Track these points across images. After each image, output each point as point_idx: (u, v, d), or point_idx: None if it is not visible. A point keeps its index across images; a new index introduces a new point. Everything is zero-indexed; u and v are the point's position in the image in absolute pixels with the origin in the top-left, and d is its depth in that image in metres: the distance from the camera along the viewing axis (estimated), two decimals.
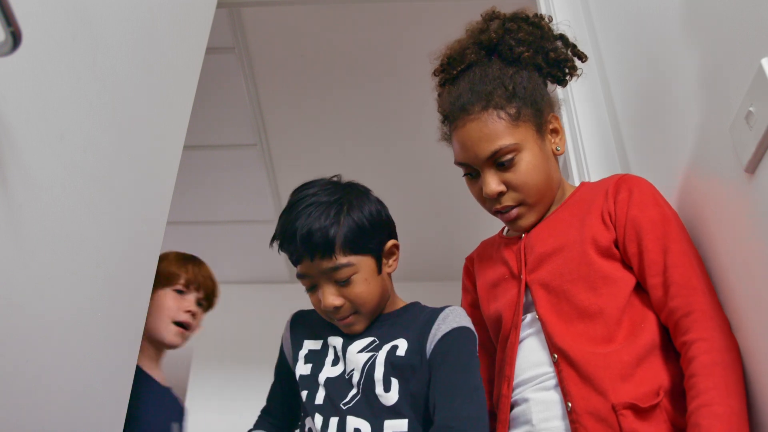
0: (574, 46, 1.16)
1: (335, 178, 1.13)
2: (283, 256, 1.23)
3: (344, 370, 1.06)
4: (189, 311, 1.54)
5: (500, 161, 1.03)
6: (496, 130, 1.03)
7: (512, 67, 1.09)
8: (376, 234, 1.06)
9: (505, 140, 1.02)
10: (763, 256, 0.81)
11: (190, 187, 3.19)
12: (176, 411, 1.55)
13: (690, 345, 0.87)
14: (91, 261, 0.95)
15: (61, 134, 0.85)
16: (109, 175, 1.00)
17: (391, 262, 1.10)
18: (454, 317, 1.06)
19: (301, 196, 1.06)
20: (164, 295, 1.55)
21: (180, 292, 1.57)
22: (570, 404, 0.90)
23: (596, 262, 0.98)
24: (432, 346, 1.03)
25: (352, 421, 0.99)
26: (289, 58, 2.67)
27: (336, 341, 1.09)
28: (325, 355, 1.09)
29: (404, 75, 2.72)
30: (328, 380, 1.05)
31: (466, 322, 1.07)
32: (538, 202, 1.07)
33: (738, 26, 0.85)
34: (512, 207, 1.06)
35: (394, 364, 1.02)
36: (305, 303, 1.19)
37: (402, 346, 1.04)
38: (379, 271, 1.07)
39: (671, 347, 0.93)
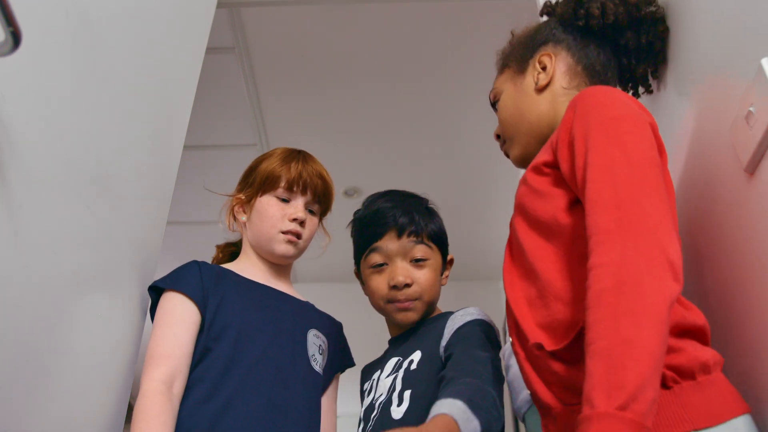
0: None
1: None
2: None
3: (373, 398, 1.11)
4: (295, 219, 1.29)
5: (493, 107, 1.13)
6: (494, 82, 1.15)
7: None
8: (444, 239, 1.20)
9: (492, 90, 1.13)
10: (763, 257, 0.81)
11: (190, 187, 3.19)
12: (313, 320, 1.31)
13: (587, 274, 0.73)
14: (91, 261, 0.95)
15: (61, 134, 0.85)
16: (109, 175, 1.00)
17: (446, 273, 1.20)
18: (467, 313, 1.09)
19: (385, 196, 1.22)
20: (267, 203, 1.31)
21: (284, 200, 1.31)
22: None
23: (529, 184, 0.93)
24: (445, 341, 1.06)
25: None
26: (289, 58, 2.67)
27: (375, 374, 1.16)
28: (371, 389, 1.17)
29: (404, 75, 2.72)
30: (364, 412, 1.13)
31: (481, 315, 1.10)
32: (513, 135, 1.07)
33: (738, 26, 0.85)
34: (502, 144, 1.11)
35: (407, 379, 1.06)
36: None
37: (416, 358, 1.08)
38: (441, 272, 1.17)
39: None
